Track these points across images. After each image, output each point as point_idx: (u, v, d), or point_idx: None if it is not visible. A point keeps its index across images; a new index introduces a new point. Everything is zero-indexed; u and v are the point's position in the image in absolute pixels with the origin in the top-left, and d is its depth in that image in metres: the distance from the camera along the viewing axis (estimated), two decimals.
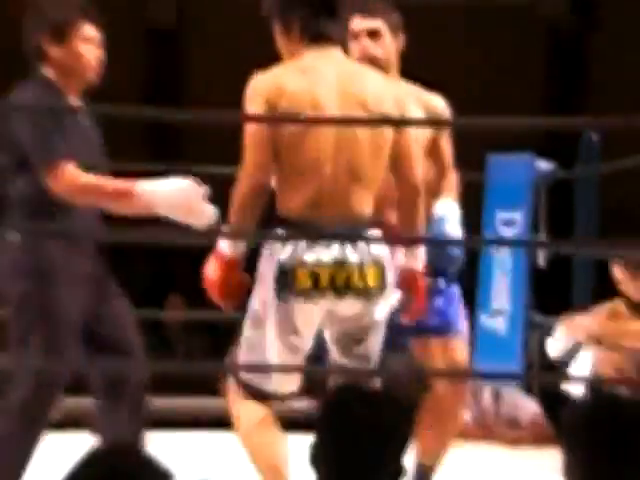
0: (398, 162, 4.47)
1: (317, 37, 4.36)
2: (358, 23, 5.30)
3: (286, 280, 4.26)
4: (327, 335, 4.52)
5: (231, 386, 4.49)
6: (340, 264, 4.28)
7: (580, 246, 6.92)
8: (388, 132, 4.35)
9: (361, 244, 4.37)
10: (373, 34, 5.34)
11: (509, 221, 7.04)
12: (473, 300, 6.89)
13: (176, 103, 13.96)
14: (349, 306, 4.31)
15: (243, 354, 4.41)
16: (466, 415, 7.58)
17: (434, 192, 5.45)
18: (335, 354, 4.54)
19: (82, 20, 4.66)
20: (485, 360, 6.97)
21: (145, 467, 2.41)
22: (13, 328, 4.72)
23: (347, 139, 4.33)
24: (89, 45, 4.64)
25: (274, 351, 4.32)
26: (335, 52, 4.40)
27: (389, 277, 4.39)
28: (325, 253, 4.28)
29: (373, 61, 5.21)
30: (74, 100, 4.69)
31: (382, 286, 4.35)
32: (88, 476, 2.22)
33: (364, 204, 4.39)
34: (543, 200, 7.42)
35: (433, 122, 5.43)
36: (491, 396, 7.88)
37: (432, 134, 5.51)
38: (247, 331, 4.37)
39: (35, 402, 4.69)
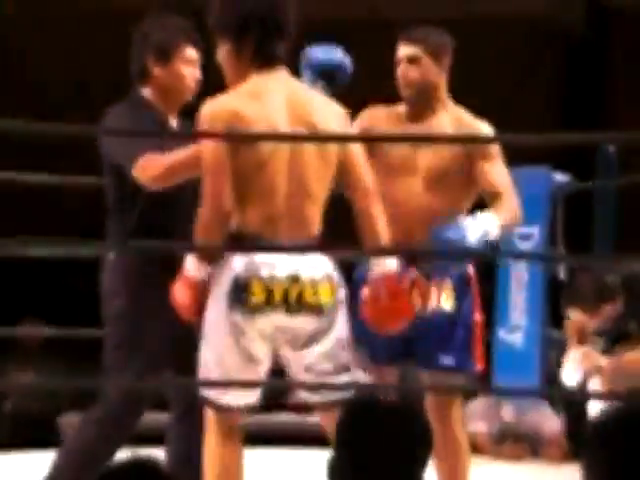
0: (347, 174, 4.51)
1: (270, 60, 4.43)
2: (400, 50, 5.42)
3: (240, 294, 4.29)
4: (280, 349, 4.48)
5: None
6: (294, 280, 4.35)
7: (599, 260, 6.81)
8: (333, 149, 4.42)
9: (314, 260, 4.42)
10: (412, 60, 5.43)
11: (526, 235, 7.04)
12: (491, 315, 6.86)
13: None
14: (302, 322, 4.35)
15: (202, 368, 4.44)
16: (485, 429, 7.86)
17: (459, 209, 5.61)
18: (289, 368, 4.51)
19: (185, 42, 4.96)
20: (504, 375, 7.03)
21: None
22: (108, 344, 4.91)
23: (297, 160, 4.40)
24: (189, 67, 4.92)
25: (229, 364, 4.32)
26: (283, 73, 4.47)
27: (341, 293, 4.42)
28: (279, 269, 4.32)
29: (410, 85, 5.37)
30: (171, 118, 4.94)
31: (334, 302, 4.37)
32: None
33: (315, 220, 4.46)
34: (560, 213, 7.40)
35: (453, 139, 5.46)
36: (513, 412, 7.83)
37: (465, 156, 5.48)
38: (203, 345, 4.39)
39: (122, 417, 4.87)
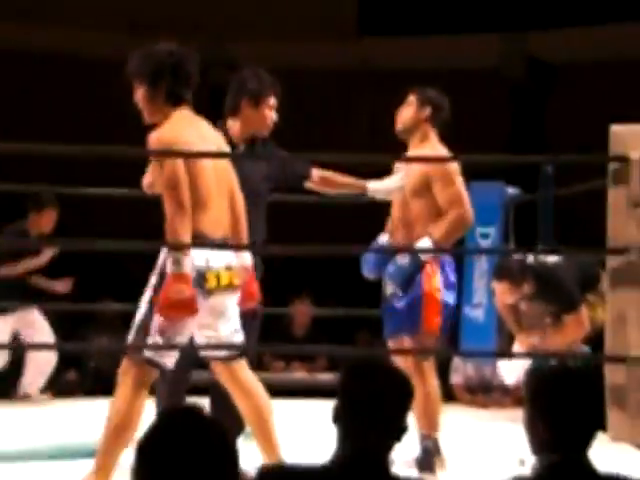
0: (232, 189, 4.81)
1: (180, 101, 4.63)
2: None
3: (200, 280, 4.48)
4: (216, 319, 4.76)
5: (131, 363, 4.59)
6: (229, 268, 4.60)
7: (541, 253, 6.93)
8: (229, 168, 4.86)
9: (232, 252, 4.73)
10: (407, 103, 6.08)
11: (485, 234, 7.41)
12: (460, 297, 6.86)
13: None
14: (231, 298, 4.65)
15: (153, 336, 4.53)
16: (456, 380, 8.08)
17: (422, 223, 5.88)
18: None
19: (271, 92, 5.48)
20: (469, 341, 7.33)
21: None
22: None
23: (225, 176, 4.74)
24: (271, 111, 5.45)
25: (189, 331, 4.56)
26: (190, 111, 4.69)
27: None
28: (221, 260, 4.57)
29: (399, 122, 6.09)
30: (241, 144, 5.39)
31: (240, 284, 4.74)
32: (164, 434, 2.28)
33: (243, 220, 4.78)
34: (511, 217, 7.58)
35: (419, 159, 5.94)
36: (474, 369, 8.01)
37: (423, 178, 5.90)
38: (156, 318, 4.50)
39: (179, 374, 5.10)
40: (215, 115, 5.64)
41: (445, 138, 6.16)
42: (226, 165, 4.82)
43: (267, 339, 9.03)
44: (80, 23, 13.21)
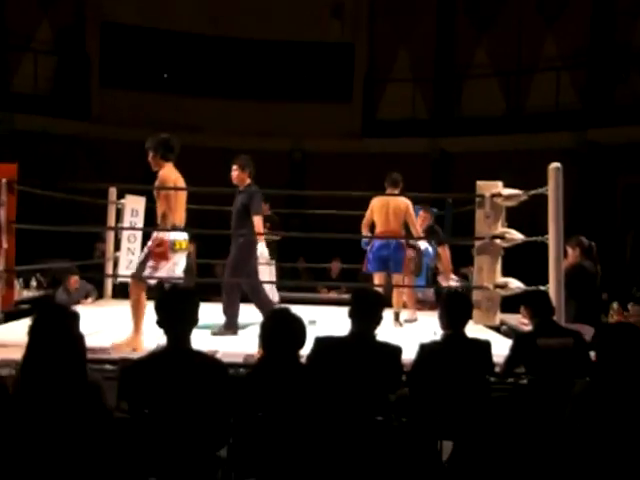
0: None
1: (169, 159, 5.08)
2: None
3: (173, 245, 4.98)
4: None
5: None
6: (187, 240, 5.16)
7: (447, 242, 7.54)
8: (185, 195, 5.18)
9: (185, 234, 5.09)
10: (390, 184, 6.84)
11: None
12: None
13: None
14: (181, 254, 5.08)
15: (159, 270, 4.97)
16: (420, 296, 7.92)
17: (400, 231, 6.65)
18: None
19: (232, 164, 6.01)
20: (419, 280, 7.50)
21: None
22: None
23: (184, 197, 5.18)
24: (234, 173, 5.96)
25: (172, 269, 5.05)
26: (172, 164, 5.06)
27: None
28: (182, 235, 5.09)
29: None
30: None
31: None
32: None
33: (184, 219, 5.16)
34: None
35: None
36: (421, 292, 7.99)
37: (404, 210, 6.75)
38: (170, 260, 5.01)
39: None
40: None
41: None
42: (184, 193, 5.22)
43: (319, 279, 10.11)
44: None
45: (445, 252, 7.24)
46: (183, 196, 5.19)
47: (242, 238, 5.83)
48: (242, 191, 5.94)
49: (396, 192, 6.83)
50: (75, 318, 2.62)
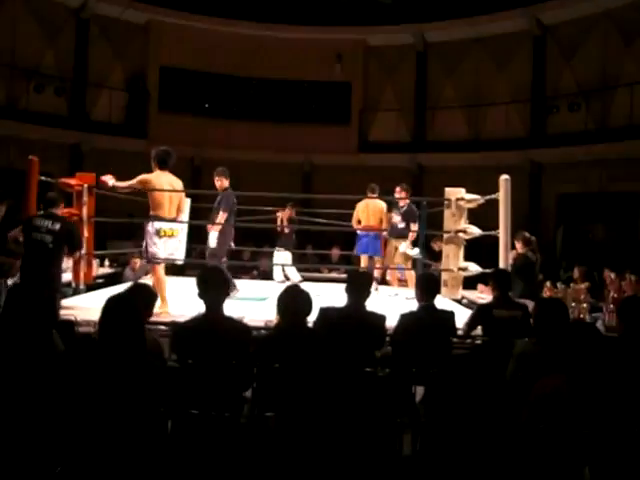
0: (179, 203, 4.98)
1: (162, 167, 5.01)
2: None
3: (158, 232, 4.88)
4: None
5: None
6: (169, 229, 4.95)
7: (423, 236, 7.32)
8: (180, 196, 5.01)
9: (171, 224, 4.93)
10: (370, 191, 6.86)
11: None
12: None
13: None
14: (167, 239, 4.90)
15: (158, 249, 4.88)
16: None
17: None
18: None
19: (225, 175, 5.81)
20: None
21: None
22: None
23: (176, 197, 5.02)
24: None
25: (160, 248, 4.89)
26: (167, 170, 4.98)
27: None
28: (168, 225, 4.95)
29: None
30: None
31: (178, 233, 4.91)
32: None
33: (180, 213, 5.02)
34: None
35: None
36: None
37: (380, 210, 6.81)
38: (156, 244, 4.86)
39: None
40: None
41: None
42: (180, 194, 5.06)
43: (322, 262, 9.99)
44: None
45: (414, 227, 6.95)
46: (171, 195, 5.01)
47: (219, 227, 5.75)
48: (220, 194, 5.89)
49: (374, 196, 6.92)
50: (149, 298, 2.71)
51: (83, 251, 5.17)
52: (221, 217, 5.68)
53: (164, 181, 4.97)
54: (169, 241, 5.00)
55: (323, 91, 14.06)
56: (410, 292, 6.04)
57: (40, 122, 11.21)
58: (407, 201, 6.94)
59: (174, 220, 5.00)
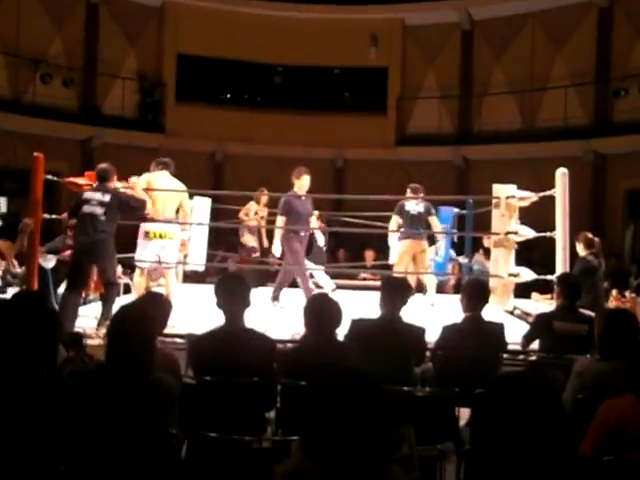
0: (180, 206, 5.36)
1: (163, 167, 5.39)
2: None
3: (147, 234, 5.29)
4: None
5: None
6: (165, 231, 5.31)
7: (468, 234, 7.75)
8: (178, 197, 5.35)
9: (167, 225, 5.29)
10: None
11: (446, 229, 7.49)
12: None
13: None
14: (154, 241, 5.24)
15: (142, 251, 5.32)
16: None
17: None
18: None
19: (306, 173, 5.93)
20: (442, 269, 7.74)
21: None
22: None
23: (175, 197, 5.36)
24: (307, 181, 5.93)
25: (144, 250, 5.33)
26: (166, 173, 5.38)
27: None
28: (159, 227, 5.30)
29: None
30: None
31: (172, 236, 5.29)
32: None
33: (170, 214, 5.33)
34: (456, 221, 7.93)
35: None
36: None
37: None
38: (141, 246, 5.28)
39: None
40: None
41: None
42: (179, 195, 5.38)
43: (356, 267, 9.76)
44: None
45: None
46: (163, 196, 5.31)
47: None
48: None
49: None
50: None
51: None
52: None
53: (152, 180, 5.33)
54: (159, 243, 5.31)
55: (356, 78, 14.13)
56: (428, 298, 6.15)
57: (47, 116, 11.38)
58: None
59: (170, 221, 5.35)
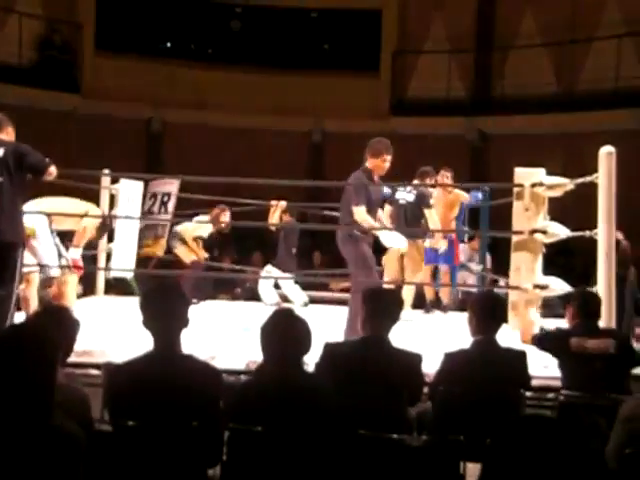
0: None
1: None
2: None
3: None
4: None
5: None
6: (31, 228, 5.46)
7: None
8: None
9: None
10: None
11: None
12: None
13: None
14: None
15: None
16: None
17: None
18: None
19: (387, 152, 5.71)
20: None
21: None
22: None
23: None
24: (386, 162, 5.71)
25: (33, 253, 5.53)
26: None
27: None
28: (29, 222, 5.39)
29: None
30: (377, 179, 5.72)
31: None
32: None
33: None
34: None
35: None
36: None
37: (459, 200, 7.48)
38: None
39: None
40: None
41: None
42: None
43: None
44: None
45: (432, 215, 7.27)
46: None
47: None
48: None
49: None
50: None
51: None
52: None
53: None
54: (35, 241, 5.50)
55: (340, 23, 14.13)
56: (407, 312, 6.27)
57: None
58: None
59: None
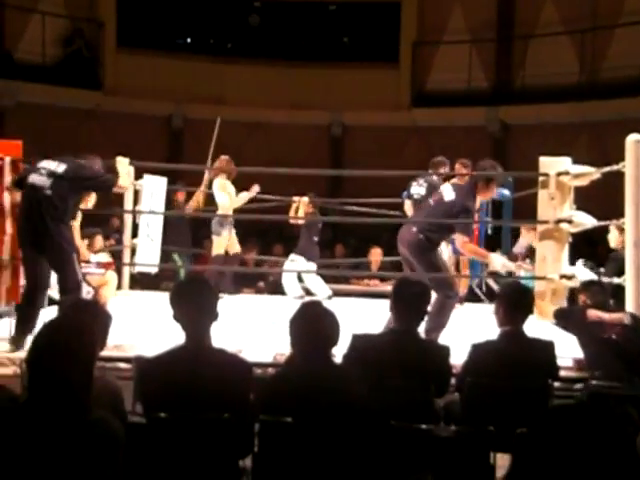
0: None
1: None
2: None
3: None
4: None
5: None
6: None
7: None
8: None
9: None
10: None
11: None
12: None
13: None
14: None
15: None
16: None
17: None
18: None
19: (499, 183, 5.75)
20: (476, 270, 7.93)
21: None
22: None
23: None
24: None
25: None
26: None
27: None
28: None
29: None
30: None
31: None
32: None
33: None
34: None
35: None
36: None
37: None
38: None
39: None
40: None
41: None
42: None
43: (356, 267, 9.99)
44: None
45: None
46: None
47: None
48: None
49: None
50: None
51: (5, 256, 5.29)
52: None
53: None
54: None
55: (359, 16, 14.14)
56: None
57: None
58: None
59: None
